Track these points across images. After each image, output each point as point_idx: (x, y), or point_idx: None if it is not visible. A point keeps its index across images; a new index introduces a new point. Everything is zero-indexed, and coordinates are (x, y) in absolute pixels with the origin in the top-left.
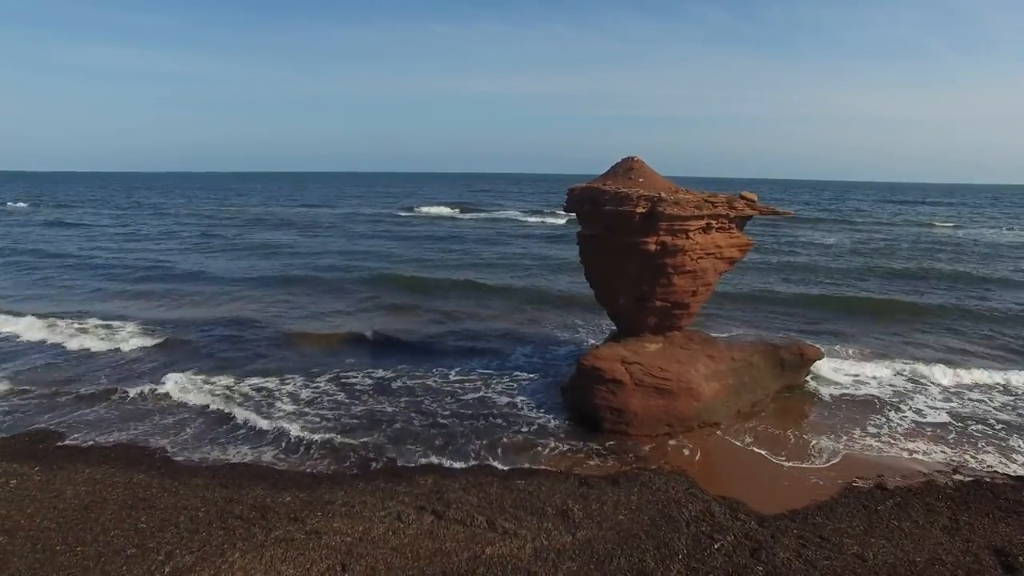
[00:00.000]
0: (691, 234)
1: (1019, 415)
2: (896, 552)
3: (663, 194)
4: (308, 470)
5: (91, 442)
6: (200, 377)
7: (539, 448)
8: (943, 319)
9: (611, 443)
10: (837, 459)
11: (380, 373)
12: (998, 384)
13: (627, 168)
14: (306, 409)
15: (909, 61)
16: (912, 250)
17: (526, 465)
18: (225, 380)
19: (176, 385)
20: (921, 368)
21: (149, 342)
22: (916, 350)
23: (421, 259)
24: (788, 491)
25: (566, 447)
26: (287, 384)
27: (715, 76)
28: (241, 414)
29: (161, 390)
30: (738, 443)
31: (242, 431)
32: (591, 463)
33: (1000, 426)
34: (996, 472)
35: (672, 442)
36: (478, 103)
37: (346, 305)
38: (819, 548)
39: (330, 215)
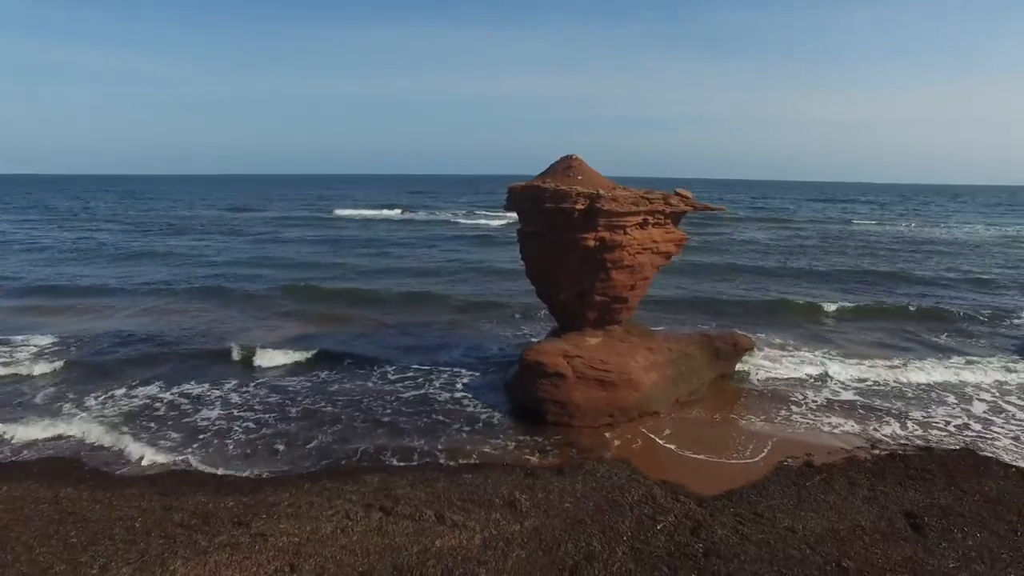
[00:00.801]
0: (629, 230)
1: (920, 395)
2: (823, 523)
3: (601, 191)
4: (250, 474)
5: (9, 459)
6: (122, 390)
7: (484, 442)
8: (858, 313)
9: (555, 435)
10: (769, 442)
11: (317, 376)
12: (903, 371)
13: (566, 166)
14: (243, 414)
15: (838, 64)
16: (833, 247)
17: (472, 459)
18: (152, 390)
19: (97, 399)
20: (838, 358)
21: (58, 358)
22: (836, 342)
23: (354, 264)
24: (725, 473)
25: (511, 440)
26: (218, 389)
27: (663, 78)
28: (172, 422)
29: (82, 404)
30: (676, 430)
31: (177, 438)
32: (536, 454)
33: (904, 405)
34: (907, 444)
35: (614, 431)
36: (423, 103)
37: (276, 313)
38: (754, 524)
39: (260, 219)
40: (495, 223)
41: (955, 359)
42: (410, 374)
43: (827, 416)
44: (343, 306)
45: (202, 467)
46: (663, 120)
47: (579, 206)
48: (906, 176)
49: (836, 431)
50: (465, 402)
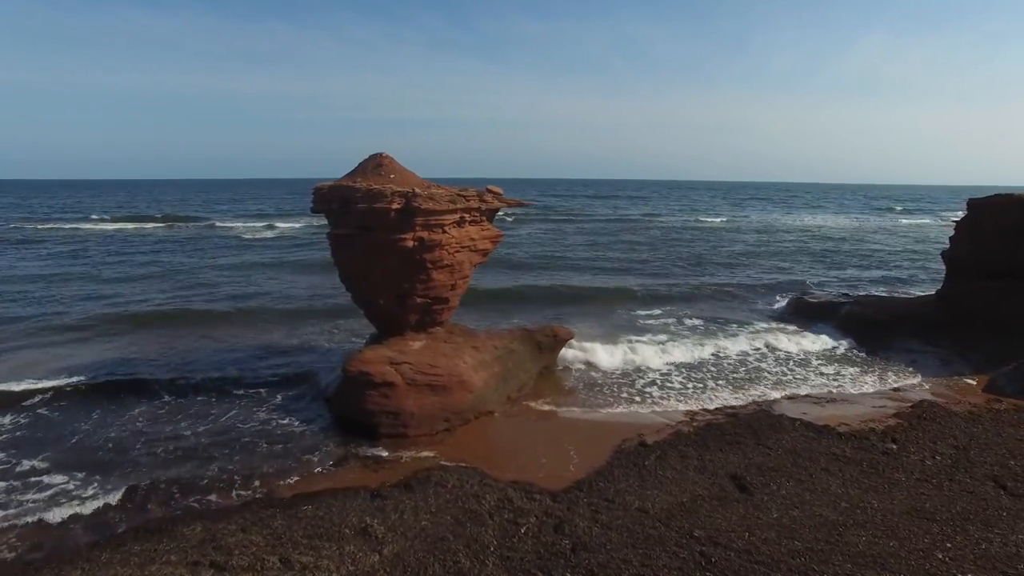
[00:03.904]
0: (447, 228)
1: (717, 367)
2: (667, 498)
3: (417, 189)
4: (13, 556)
5: None
6: None
7: (317, 466)
8: (657, 299)
9: (392, 448)
10: (603, 427)
11: (82, 417)
12: (702, 348)
13: (376, 164)
14: None
15: (601, 74)
16: (623, 241)
17: (308, 487)
18: None
19: None
20: (650, 343)
21: None
22: (645, 328)
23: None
24: (570, 464)
25: (346, 460)
26: None
27: (440, 80)
28: None
29: None
30: (515, 427)
31: None
32: (378, 472)
33: (709, 378)
34: (721, 412)
35: (452, 437)
36: (191, 101)
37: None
38: (609, 511)
39: None
40: (297, 225)
41: (733, 335)
42: (206, 398)
43: (649, 396)
44: (123, 331)
45: None
46: (463, 122)
47: (395, 206)
48: (656, 173)
49: (659, 409)
50: (284, 423)
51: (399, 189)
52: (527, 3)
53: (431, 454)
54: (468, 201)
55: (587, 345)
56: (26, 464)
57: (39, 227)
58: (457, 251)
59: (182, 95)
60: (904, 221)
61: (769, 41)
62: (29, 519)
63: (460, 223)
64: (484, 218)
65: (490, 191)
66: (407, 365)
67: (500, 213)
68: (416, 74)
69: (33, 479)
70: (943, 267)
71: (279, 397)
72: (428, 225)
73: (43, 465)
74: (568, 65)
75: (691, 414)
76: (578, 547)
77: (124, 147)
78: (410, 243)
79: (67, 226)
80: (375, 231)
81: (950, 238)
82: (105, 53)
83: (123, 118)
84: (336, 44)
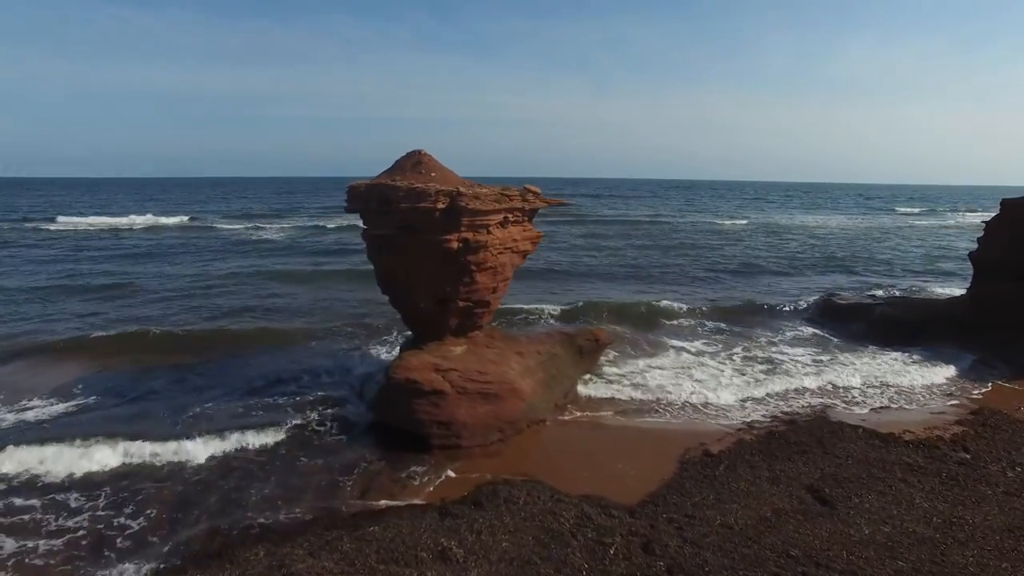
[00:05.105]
0: (491, 229)
1: (762, 370)
2: (750, 513)
3: (461, 188)
4: None
5: None
6: None
7: (368, 481)
8: (686, 299)
9: (448, 461)
10: (661, 436)
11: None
12: (743, 350)
13: (415, 162)
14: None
15: (595, 74)
16: (629, 243)
17: (367, 506)
18: None
19: None
20: (680, 348)
21: None
22: (678, 331)
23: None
24: (636, 476)
25: (401, 474)
26: None
27: (426, 78)
28: None
29: None
30: (569, 436)
31: None
32: (437, 488)
33: (755, 382)
34: (777, 420)
35: (508, 447)
36: (180, 100)
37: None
38: (693, 527)
39: None
40: (285, 225)
41: (765, 338)
42: (232, 416)
43: (690, 404)
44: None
45: None
46: (457, 121)
47: (440, 205)
48: (650, 173)
49: (713, 416)
50: (320, 429)
51: (443, 188)
52: (520, 3)
53: (490, 467)
54: (512, 200)
55: (624, 349)
56: (52, 482)
57: (9, 227)
58: (500, 252)
59: (169, 93)
60: (915, 222)
61: (771, 41)
62: (72, 548)
63: (504, 224)
64: (526, 218)
65: (529, 190)
66: (455, 372)
67: None
68: (410, 73)
69: (60, 500)
70: (953, 267)
71: (308, 405)
72: (473, 226)
73: (68, 483)
74: (563, 64)
75: (746, 421)
76: (674, 569)
77: (112, 146)
78: (454, 244)
79: (44, 226)
80: (418, 232)
81: (979, 239)
82: (92, 50)
83: (111, 116)
84: (326, 41)
